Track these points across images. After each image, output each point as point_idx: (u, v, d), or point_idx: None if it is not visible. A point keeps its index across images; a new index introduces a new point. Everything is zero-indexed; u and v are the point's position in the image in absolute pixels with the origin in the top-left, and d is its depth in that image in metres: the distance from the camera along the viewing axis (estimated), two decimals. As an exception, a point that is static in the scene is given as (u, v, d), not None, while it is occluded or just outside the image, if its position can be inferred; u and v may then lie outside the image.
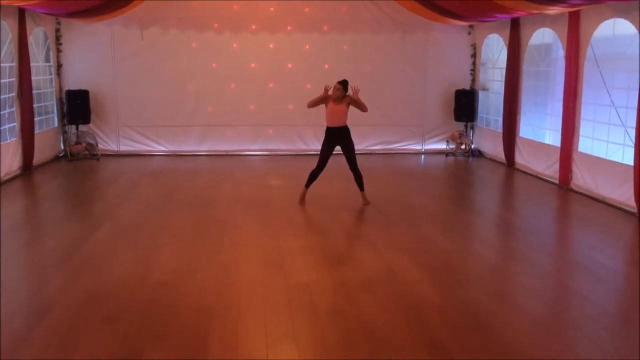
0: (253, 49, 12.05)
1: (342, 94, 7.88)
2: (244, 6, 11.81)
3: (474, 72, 12.48)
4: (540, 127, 10.50)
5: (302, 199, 8.08)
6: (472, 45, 12.42)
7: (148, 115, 11.99)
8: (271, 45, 12.11)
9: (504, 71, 11.01)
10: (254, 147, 12.36)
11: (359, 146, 12.33)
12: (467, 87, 12.42)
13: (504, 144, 10.99)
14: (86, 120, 11.54)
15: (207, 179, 9.84)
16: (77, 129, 11.58)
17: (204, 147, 12.23)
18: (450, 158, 12.17)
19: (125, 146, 12.07)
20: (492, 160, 11.71)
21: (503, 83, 11.05)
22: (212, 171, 10.70)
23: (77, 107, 11.36)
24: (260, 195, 8.74)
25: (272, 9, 11.95)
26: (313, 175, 8.03)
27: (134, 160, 11.61)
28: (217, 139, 12.25)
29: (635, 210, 7.40)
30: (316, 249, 6.20)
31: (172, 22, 11.78)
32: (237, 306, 4.71)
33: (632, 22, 7.52)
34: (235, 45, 12.02)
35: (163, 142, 12.16)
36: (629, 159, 7.66)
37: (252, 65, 12.09)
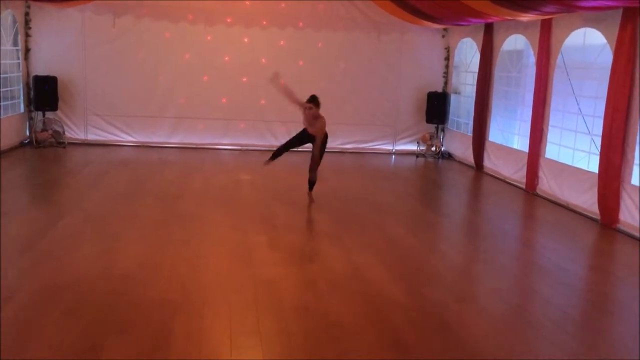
0: (227, 42, 11.95)
1: (315, 112, 7.85)
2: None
3: (446, 75, 12.60)
4: (509, 132, 10.65)
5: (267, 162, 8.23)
6: (445, 48, 12.53)
7: (118, 104, 11.79)
8: (246, 39, 12.02)
9: (476, 75, 11.14)
10: (225, 141, 12.27)
11: (330, 144, 12.41)
12: (440, 90, 12.53)
13: (473, 148, 11.13)
14: (53, 107, 11.29)
15: (176, 172, 9.73)
16: (43, 115, 11.32)
17: (175, 139, 12.08)
18: (421, 159, 12.26)
19: (93, 135, 11.85)
20: (461, 163, 11.84)
21: (475, 87, 11.17)
22: (182, 164, 10.59)
23: (45, 93, 11.10)
24: (230, 189, 8.68)
25: (247, 2, 11.87)
26: (277, 152, 8.27)
27: (101, 149, 11.41)
28: (188, 131, 12.12)
29: (598, 217, 7.56)
30: (284, 245, 6.18)
31: (146, 11, 11.59)
32: (202, 301, 4.66)
33: (602, 32, 7.67)
34: (209, 37, 11.90)
35: (132, 133, 11.98)
36: (594, 167, 7.83)
37: (226, 58, 12.00)
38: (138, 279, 5.02)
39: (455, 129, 12.40)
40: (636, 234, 6.94)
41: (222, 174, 9.77)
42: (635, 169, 7.13)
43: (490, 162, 10.73)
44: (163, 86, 11.88)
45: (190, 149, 11.97)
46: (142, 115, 11.88)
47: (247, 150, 12.17)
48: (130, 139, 11.97)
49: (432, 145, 12.40)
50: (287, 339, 4.11)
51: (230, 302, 4.66)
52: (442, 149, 12.48)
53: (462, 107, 12.27)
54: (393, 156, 12.59)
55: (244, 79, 12.09)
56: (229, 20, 11.91)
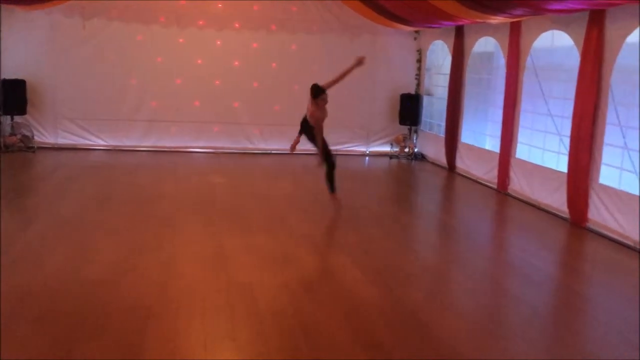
0: (200, 44, 11.88)
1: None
2: (191, 1, 11.63)
3: (419, 77, 12.70)
4: (480, 133, 10.78)
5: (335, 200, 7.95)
6: (417, 51, 12.64)
7: (89, 108, 11.62)
8: (218, 42, 11.97)
9: (447, 77, 11.25)
10: (199, 144, 12.18)
11: (304, 147, 12.42)
12: (412, 92, 12.63)
13: (445, 149, 11.24)
14: (22, 110, 11.09)
15: (149, 176, 9.63)
16: (12, 119, 11.11)
17: (147, 143, 11.95)
18: (394, 161, 12.34)
19: (64, 139, 11.66)
20: (434, 164, 11.95)
21: (447, 89, 11.29)
22: (155, 167, 10.48)
23: (13, 97, 10.89)
24: (204, 193, 8.62)
25: (220, 5, 11.82)
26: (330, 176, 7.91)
27: (72, 154, 11.23)
28: (161, 134, 12.00)
29: (568, 216, 7.70)
30: (259, 248, 6.16)
31: (116, 14, 11.46)
32: (176, 306, 4.62)
33: (570, 34, 7.82)
34: (181, 40, 11.81)
35: (104, 137, 11.82)
36: (563, 167, 7.96)
37: (199, 61, 11.92)
38: (110, 284, 4.96)
39: (428, 131, 12.50)
40: (605, 232, 7.08)
41: (196, 177, 9.70)
42: (603, 168, 7.27)
43: (463, 163, 10.84)
44: (135, 89, 11.75)
45: (163, 152, 11.86)
46: (113, 118, 11.73)
47: (221, 153, 12.10)
48: (102, 142, 11.81)
49: (405, 147, 12.49)
50: (263, 343, 4.10)
51: (205, 307, 4.62)
52: (415, 150, 12.58)
53: (434, 109, 12.38)
54: (367, 158, 12.65)
55: (217, 82, 12.03)
56: (201, 23, 11.84)
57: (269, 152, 12.26)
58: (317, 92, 7.89)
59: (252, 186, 9.25)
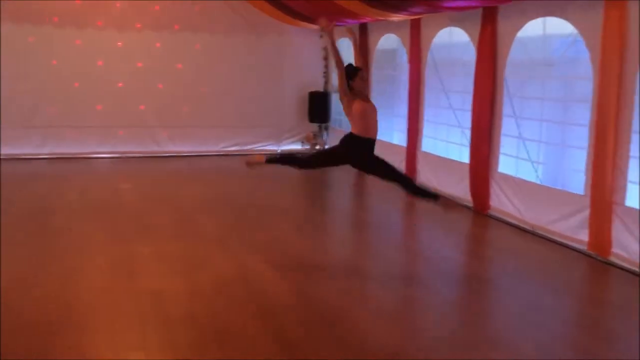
0: (99, 46, 11.39)
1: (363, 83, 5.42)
2: (88, 0, 11.14)
3: (326, 74, 12.83)
4: (388, 128, 11.02)
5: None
6: (324, 48, 12.76)
7: (-23, 115, 10.86)
8: (119, 43, 11.53)
9: (354, 74, 11.41)
10: (103, 150, 11.68)
11: (215, 148, 12.30)
12: (321, 89, 12.74)
13: (355, 145, 11.39)
14: None
15: (48, 185, 9.13)
16: None
17: (45, 150, 11.30)
18: (306, 158, 12.39)
19: (-50, 150, 10.84)
20: (345, 160, 12.08)
21: (353, 86, 11.44)
22: (56, 176, 9.95)
23: None
24: (109, 200, 8.27)
25: (118, 4, 11.40)
26: (287, 159, 5.79)
27: (-38, 165, 10.46)
28: (60, 141, 11.38)
29: (472, 204, 8.04)
30: (169, 254, 5.99)
31: (4, 14, 10.76)
32: (82, 319, 4.41)
33: (466, 30, 8.15)
34: (78, 41, 11.28)
35: (-4, 146, 11.08)
36: (465, 158, 8.30)
37: (99, 63, 11.43)
38: (10, 300, 4.65)
39: (338, 127, 12.64)
40: (505, 218, 7.46)
41: (100, 184, 9.30)
42: (502, 157, 7.65)
43: (372, 158, 11.04)
44: (29, 94, 11.05)
45: (63, 159, 11.27)
46: (6, 126, 10.99)
47: (127, 158, 11.68)
48: (-5, 152, 11.07)
49: (317, 144, 12.58)
50: (174, 351, 3.99)
51: (113, 318, 4.45)
52: (326, 147, 12.70)
53: (343, 106, 12.52)
54: (278, 157, 12.62)
55: (120, 84, 11.60)
56: (99, 24, 11.36)
57: (179, 154, 11.98)
58: (354, 71, 5.47)
59: (161, 190, 8.99)
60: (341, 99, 5.48)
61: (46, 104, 11.22)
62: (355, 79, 5.44)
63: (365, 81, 5.56)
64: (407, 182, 5.69)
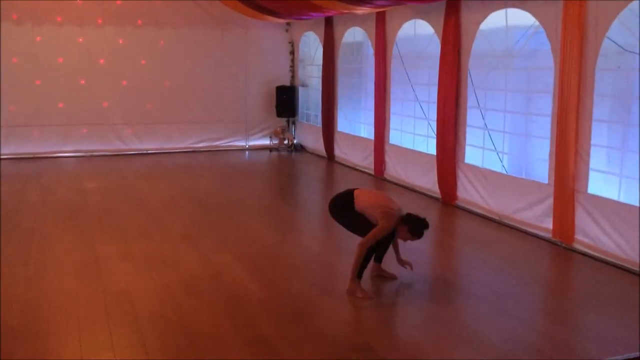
0: (60, 42, 11.15)
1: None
2: (46, -3, 10.90)
3: (293, 68, 12.79)
4: (355, 122, 11.07)
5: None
6: (290, 43, 12.71)
7: None
8: (80, 39, 11.30)
9: (321, 68, 11.42)
10: (66, 148, 11.46)
11: (182, 144, 12.17)
12: (288, 84, 12.70)
13: (323, 139, 11.42)
14: None
15: (10, 185, 8.91)
16: None
17: (6, 150, 11.04)
18: (274, 153, 12.36)
19: None
20: (314, 154, 12.11)
21: (320, 79, 11.46)
22: (17, 176, 9.71)
23: None
24: (74, 199, 8.12)
25: (79, 0, 11.16)
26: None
27: None
28: (22, 140, 11.13)
29: (439, 196, 8.12)
30: (137, 253, 5.91)
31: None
32: (47, 323, 4.32)
33: (430, 23, 8.21)
34: (38, 38, 11.01)
35: (-46, 146, 10.78)
36: (432, 149, 8.38)
37: (60, 60, 11.20)
38: (-31, 307, 4.54)
39: (305, 122, 12.64)
40: (472, 208, 7.55)
41: (64, 184, 9.11)
42: (468, 149, 7.74)
43: (341, 152, 11.08)
44: (-13, 93, 10.80)
45: (26, 159, 11.03)
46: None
47: (91, 156, 11.48)
48: (-47, 153, 10.78)
49: (285, 139, 12.55)
50: (144, 351, 3.94)
51: (79, 320, 4.37)
52: (295, 141, 12.68)
53: (310, 100, 12.54)
54: (247, 152, 12.57)
55: (82, 81, 11.37)
56: (59, 20, 11.12)
57: (145, 152, 11.82)
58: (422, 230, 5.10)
59: (126, 189, 8.86)
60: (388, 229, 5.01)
61: (7, 103, 10.94)
62: (414, 237, 5.01)
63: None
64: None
